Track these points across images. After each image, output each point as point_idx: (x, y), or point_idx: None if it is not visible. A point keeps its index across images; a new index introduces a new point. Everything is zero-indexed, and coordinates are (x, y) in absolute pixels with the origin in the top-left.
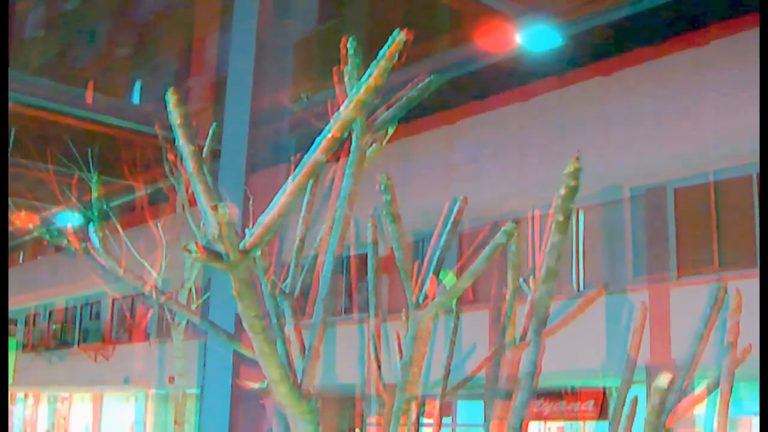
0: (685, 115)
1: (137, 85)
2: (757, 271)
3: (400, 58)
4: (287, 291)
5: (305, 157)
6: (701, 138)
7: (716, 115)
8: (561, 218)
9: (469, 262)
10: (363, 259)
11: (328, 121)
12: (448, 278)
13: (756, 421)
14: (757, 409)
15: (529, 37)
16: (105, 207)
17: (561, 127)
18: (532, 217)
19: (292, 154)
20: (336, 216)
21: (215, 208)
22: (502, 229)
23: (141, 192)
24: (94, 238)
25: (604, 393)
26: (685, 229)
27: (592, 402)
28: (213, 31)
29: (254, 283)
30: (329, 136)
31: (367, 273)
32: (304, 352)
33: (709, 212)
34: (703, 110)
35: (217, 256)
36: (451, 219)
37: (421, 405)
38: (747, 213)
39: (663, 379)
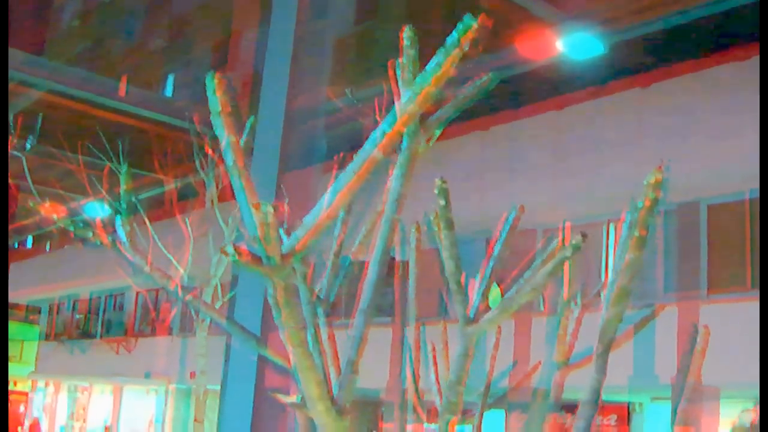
0: (723, 130)
1: (170, 79)
2: None
3: (476, 46)
4: (322, 297)
5: (359, 153)
6: (738, 155)
7: (755, 131)
8: (641, 233)
9: (514, 274)
10: (388, 264)
11: (375, 119)
12: (495, 294)
13: None
14: None
15: (571, 45)
16: (134, 200)
17: (595, 139)
18: (563, 229)
19: (325, 155)
20: (384, 220)
21: (258, 206)
22: (571, 242)
23: (170, 186)
24: (121, 232)
25: (629, 408)
26: (717, 246)
27: (615, 417)
28: (250, 26)
29: (297, 290)
30: (391, 131)
31: (391, 277)
32: (337, 362)
33: (743, 230)
34: (741, 126)
35: (258, 259)
36: (507, 228)
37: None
38: None
39: (747, 416)
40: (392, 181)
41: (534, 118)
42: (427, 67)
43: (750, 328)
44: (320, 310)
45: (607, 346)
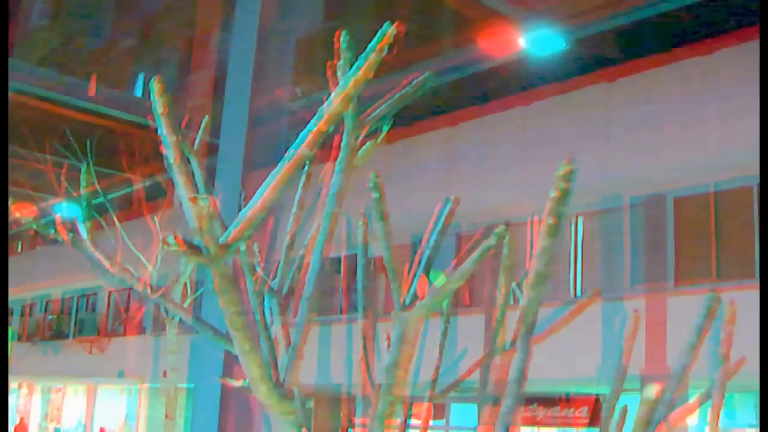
0: (687, 124)
1: (140, 79)
2: (754, 283)
3: (390, 51)
4: (276, 288)
5: (289, 150)
6: (703, 148)
7: (719, 125)
8: (552, 222)
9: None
10: (356, 260)
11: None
12: (439, 280)
13: None
14: (752, 420)
15: (533, 41)
16: (103, 199)
17: (562, 133)
18: (532, 222)
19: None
20: (324, 214)
21: (195, 200)
22: (494, 231)
23: (139, 185)
24: (82, 229)
25: (598, 400)
26: (683, 238)
27: (585, 409)
28: (216, 26)
29: (235, 278)
30: (315, 130)
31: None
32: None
33: (708, 223)
34: (706, 120)
35: (197, 249)
36: (442, 219)
37: (410, 407)
38: (746, 224)
39: (651, 390)
40: (333, 177)
41: (502, 113)
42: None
43: (716, 318)
44: (274, 302)
45: (529, 328)
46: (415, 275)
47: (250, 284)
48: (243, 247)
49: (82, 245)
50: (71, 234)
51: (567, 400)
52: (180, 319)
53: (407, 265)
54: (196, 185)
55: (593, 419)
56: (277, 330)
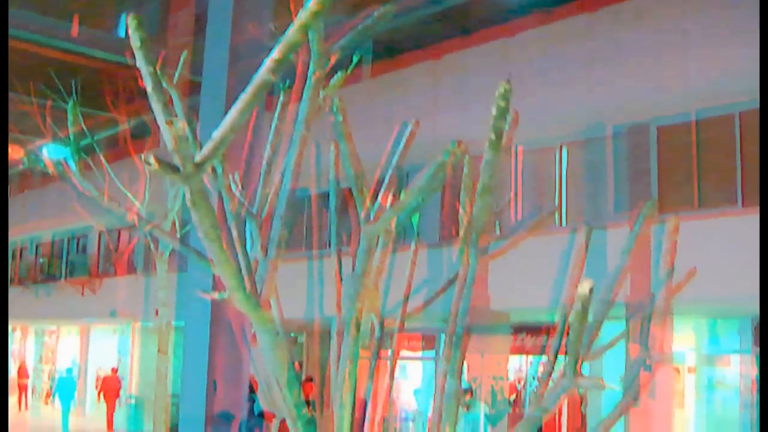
0: (669, 53)
1: (123, 19)
2: (736, 210)
3: None
4: (254, 212)
5: (253, 77)
6: (685, 77)
7: (701, 54)
8: (493, 137)
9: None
10: (345, 193)
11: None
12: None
13: (735, 358)
14: (736, 346)
15: None
16: (90, 140)
17: (545, 64)
18: (516, 152)
19: (271, 90)
20: (294, 137)
21: (170, 123)
22: (447, 150)
23: (124, 125)
24: (71, 163)
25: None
26: (666, 167)
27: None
28: None
29: (208, 194)
30: (273, 57)
31: (349, 206)
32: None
33: (690, 151)
34: (688, 49)
35: (173, 168)
36: (402, 142)
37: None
38: (728, 152)
39: (585, 286)
40: (300, 103)
41: (485, 45)
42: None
43: (698, 246)
44: (254, 225)
45: (476, 234)
46: (378, 191)
47: (228, 207)
48: (219, 170)
49: (71, 178)
50: (59, 167)
51: (555, 329)
52: (170, 256)
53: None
54: (174, 111)
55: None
56: (256, 251)
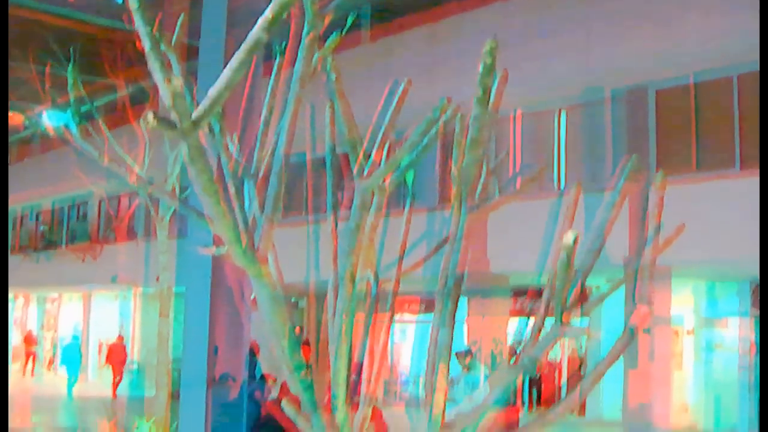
0: (668, 16)
1: None
2: (734, 173)
3: None
4: (252, 172)
5: (248, 35)
6: (683, 39)
7: (699, 16)
8: (480, 93)
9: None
10: (346, 158)
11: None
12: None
13: (734, 321)
14: (734, 310)
15: None
16: (89, 106)
17: (544, 27)
18: (514, 117)
19: (269, 54)
20: (289, 96)
21: (168, 80)
22: (437, 107)
23: (123, 91)
24: (72, 125)
25: (585, 290)
26: (665, 130)
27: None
28: None
29: (205, 151)
30: (266, 15)
31: (345, 170)
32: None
33: (689, 114)
34: (686, 12)
35: (171, 124)
36: (395, 99)
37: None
38: (727, 115)
39: (569, 236)
40: (296, 62)
41: (483, 8)
42: None
43: (697, 209)
44: (251, 183)
45: (465, 188)
46: (372, 147)
47: (225, 164)
48: (217, 129)
49: (71, 140)
50: (60, 131)
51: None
52: (170, 221)
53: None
54: (171, 71)
55: (582, 309)
56: (254, 209)
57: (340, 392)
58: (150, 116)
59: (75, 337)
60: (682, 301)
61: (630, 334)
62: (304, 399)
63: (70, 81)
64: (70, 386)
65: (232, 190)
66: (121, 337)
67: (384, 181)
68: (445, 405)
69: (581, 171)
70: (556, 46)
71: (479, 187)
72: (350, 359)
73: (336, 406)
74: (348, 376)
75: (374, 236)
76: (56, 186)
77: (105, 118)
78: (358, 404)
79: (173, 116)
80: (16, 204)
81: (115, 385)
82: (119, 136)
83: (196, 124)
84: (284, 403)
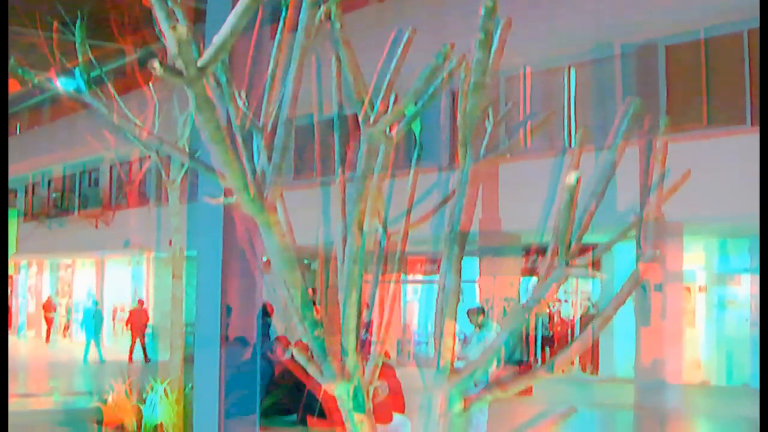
0: None
1: None
2: (744, 128)
3: None
4: (260, 126)
5: None
6: None
7: None
8: (482, 36)
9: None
10: (355, 118)
11: None
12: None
13: (745, 278)
14: (747, 265)
15: None
16: (99, 71)
17: None
18: (524, 74)
19: (273, 17)
20: (295, 46)
21: (173, 28)
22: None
23: (132, 55)
24: (81, 84)
25: (595, 248)
26: (675, 85)
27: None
28: None
29: (210, 99)
30: None
31: (357, 133)
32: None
33: (699, 69)
34: None
35: (177, 72)
36: (400, 48)
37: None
38: (737, 71)
39: (572, 176)
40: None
41: None
42: None
43: (707, 164)
44: (259, 136)
45: (469, 132)
46: (377, 95)
47: (232, 113)
48: (224, 80)
49: (82, 101)
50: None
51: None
52: (182, 182)
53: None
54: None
55: (592, 267)
56: (263, 162)
57: (350, 340)
58: (156, 64)
59: (95, 302)
60: (694, 258)
61: (638, 275)
62: (314, 347)
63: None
64: (89, 351)
65: (240, 141)
66: (141, 302)
67: (391, 130)
68: (454, 350)
69: (591, 128)
70: (566, 2)
71: (486, 138)
72: (360, 307)
73: (346, 353)
74: (358, 324)
75: (382, 186)
76: (67, 152)
77: (114, 82)
78: (368, 354)
79: (179, 64)
80: (27, 172)
81: (132, 349)
82: (129, 101)
83: (202, 71)
84: (295, 351)
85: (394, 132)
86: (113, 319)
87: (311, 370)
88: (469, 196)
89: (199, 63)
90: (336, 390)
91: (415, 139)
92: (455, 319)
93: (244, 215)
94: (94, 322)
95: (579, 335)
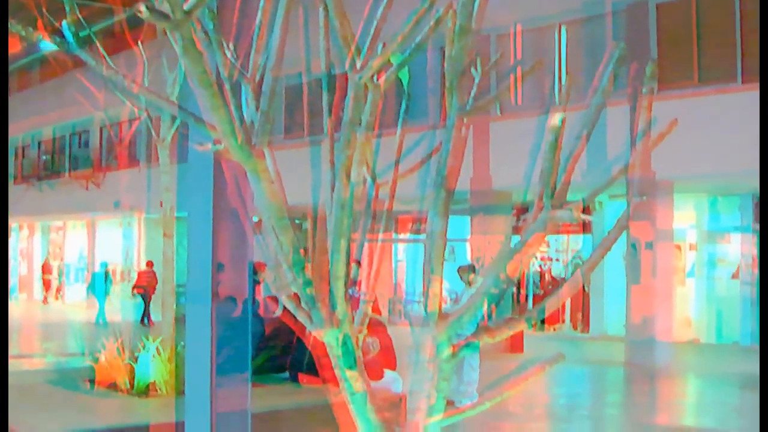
0: None
1: None
2: (735, 86)
3: None
4: (248, 74)
5: None
6: None
7: None
8: None
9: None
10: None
11: None
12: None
13: (736, 236)
14: (737, 223)
15: None
16: (88, 30)
17: None
18: (514, 33)
19: None
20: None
21: None
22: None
23: (120, 15)
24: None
25: (588, 206)
26: (666, 43)
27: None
28: None
29: (194, 43)
30: None
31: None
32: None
33: (690, 27)
34: None
35: (164, 15)
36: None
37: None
38: (728, 28)
39: (556, 117)
40: None
41: None
42: None
43: (699, 122)
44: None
45: (456, 78)
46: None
47: (221, 65)
48: (211, 26)
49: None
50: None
51: None
52: (172, 140)
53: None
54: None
55: (584, 226)
56: (251, 112)
57: (339, 286)
58: (143, 7)
59: (103, 264)
60: (685, 216)
61: (626, 219)
62: (303, 294)
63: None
64: (101, 312)
65: (228, 90)
66: (151, 263)
67: (378, 78)
68: (441, 295)
69: (581, 86)
70: None
71: (474, 88)
72: (348, 255)
73: (335, 300)
74: (347, 272)
75: (370, 135)
76: (57, 114)
77: (103, 43)
78: (357, 303)
79: (165, 7)
80: (17, 134)
81: (144, 312)
82: (117, 61)
83: (188, 14)
84: (285, 298)
85: (381, 80)
86: (105, 281)
87: (301, 316)
88: (456, 141)
89: (186, 6)
90: (325, 337)
91: (404, 90)
92: (442, 264)
93: (233, 164)
94: (102, 285)
95: (568, 279)
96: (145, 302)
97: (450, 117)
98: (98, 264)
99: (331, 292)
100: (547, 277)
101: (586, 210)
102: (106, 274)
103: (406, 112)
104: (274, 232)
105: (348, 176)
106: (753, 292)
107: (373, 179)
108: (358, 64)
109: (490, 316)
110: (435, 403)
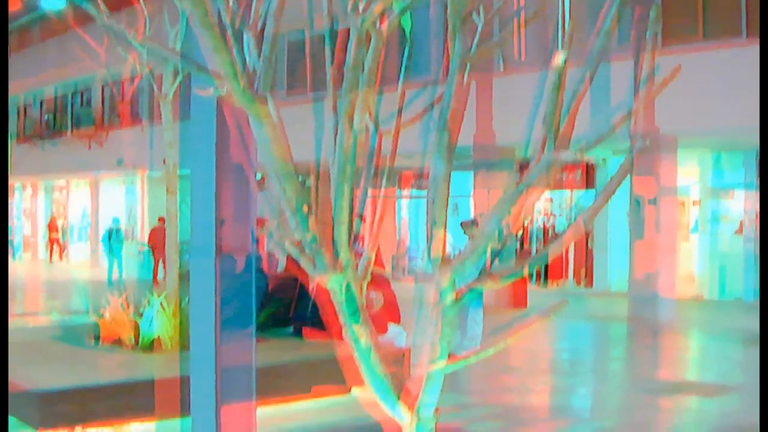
0: None
1: None
2: (740, 41)
3: None
4: (250, 24)
5: None
6: None
7: None
8: None
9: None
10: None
11: None
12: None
13: (739, 192)
14: (741, 180)
15: None
16: None
17: None
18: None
19: None
20: None
21: None
22: None
23: None
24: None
25: (589, 163)
26: None
27: (579, 172)
28: None
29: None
30: None
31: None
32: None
33: None
34: None
35: None
36: None
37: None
38: None
39: (558, 58)
40: None
41: None
42: None
43: (704, 78)
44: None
45: (458, 21)
46: None
47: (223, 12)
48: None
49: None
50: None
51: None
52: (174, 98)
53: None
54: None
55: (587, 182)
56: (254, 60)
57: (342, 231)
58: None
59: (115, 220)
60: (688, 172)
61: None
62: (306, 240)
63: None
64: (110, 270)
65: (230, 35)
66: (162, 219)
67: (380, 24)
68: (445, 240)
69: (586, 44)
70: None
71: (477, 34)
72: (352, 203)
73: (338, 245)
74: (350, 217)
75: (372, 80)
76: (59, 72)
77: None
78: (361, 257)
79: None
80: (19, 93)
81: (156, 269)
82: (119, 17)
83: None
84: (288, 245)
85: (383, 26)
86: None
87: (304, 262)
88: (458, 86)
89: None
90: (329, 282)
91: (406, 39)
92: (446, 209)
93: (237, 114)
94: (116, 243)
95: (570, 225)
96: (155, 259)
97: (453, 61)
98: (104, 222)
99: (334, 237)
100: (550, 232)
101: (588, 166)
102: (118, 231)
103: (409, 59)
104: (278, 179)
105: (351, 122)
106: (756, 248)
107: (376, 126)
108: (360, 8)
109: (492, 264)
110: (439, 350)
